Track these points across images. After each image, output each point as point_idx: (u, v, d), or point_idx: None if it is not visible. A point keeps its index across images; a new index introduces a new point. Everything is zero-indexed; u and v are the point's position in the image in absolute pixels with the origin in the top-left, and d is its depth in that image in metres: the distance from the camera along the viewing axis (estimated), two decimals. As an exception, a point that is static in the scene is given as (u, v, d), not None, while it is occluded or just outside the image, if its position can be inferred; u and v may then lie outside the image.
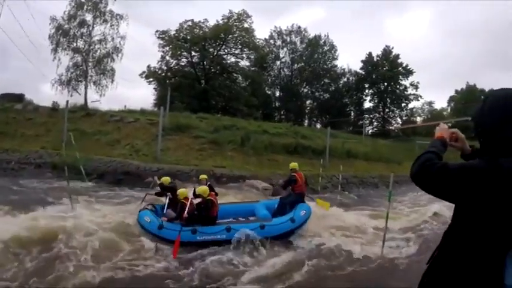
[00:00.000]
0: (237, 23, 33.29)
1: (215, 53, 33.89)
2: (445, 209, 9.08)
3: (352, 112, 45.39)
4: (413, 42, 70.45)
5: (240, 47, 34.43)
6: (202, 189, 6.88)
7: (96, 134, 17.15)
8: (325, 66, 42.80)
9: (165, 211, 7.26)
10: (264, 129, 20.15)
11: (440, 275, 1.27)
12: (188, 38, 32.53)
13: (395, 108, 43.74)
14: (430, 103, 51.38)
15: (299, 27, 42.39)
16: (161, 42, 32.91)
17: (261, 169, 14.70)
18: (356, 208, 10.73)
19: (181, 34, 32.83)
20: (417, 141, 26.78)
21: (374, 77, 41.89)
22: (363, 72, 42.91)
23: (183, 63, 34.46)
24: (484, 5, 68.39)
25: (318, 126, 40.87)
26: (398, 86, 42.32)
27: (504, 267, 1.11)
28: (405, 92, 42.43)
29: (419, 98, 43.33)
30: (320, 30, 55.32)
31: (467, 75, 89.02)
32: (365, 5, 68.34)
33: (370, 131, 42.14)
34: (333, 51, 42.97)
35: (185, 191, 7.23)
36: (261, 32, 60.75)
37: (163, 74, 34.05)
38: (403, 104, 43.36)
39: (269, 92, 42.72)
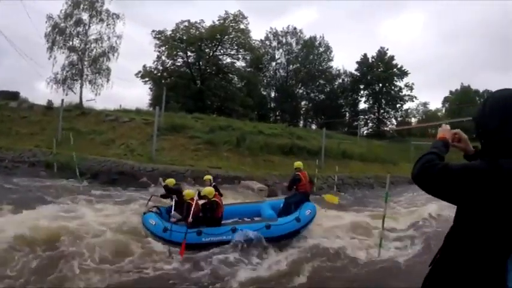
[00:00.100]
0: (233, 24, 33.29)
1: (211, 54, 33.86)
2: (442, 209, 9.16)
3: (347, 113, 45.63)
4: (408, 43, 70.93)
5: (235, 47, 34.45)
6: (208, 190, 6.80)
7: (91, 133, 17.03)
8: (320, 68, 42.92)
9: (172, 213, 7.22)
10: (260, 129, 20.10)
11: (442, 278, 1.25)
12: (184, 38, 32.47)
13: (390, 109, 44.03)
14: (424, 104, 51.82)
15: (295, 28, 42.63)
16: (157, 42, 32.91)
17: (257, 170, 14.68)
18: (352, 209, 10.72)
19: (177, 34, 32.75)
20: (412, 142, 26.99)
21: (369, 78, 42.13)
22: (358, 74, 43.12)
23: (179, 64, 34.45)
24: (479, 6, 69.11)
25: (313, 127, 40.98)
26: (393, 87, 42.61)
27: (506, 272, 1.10)
28: (400, 93, 42.75)
29: (414, 99, 43.85)
30: (315, 32, 55.83)
31: (462, 76, 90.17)
32: (360, 7, 68.90)
33: (365, 131, 42.42)
34: (328, 53, 43.18)
35: (192, 192, 7.16)
36: (257, 33, 60.87)
37: (159, 74, 33.95)
38: (398, 105, 43.69)
39: (264, 93, 42.75)
